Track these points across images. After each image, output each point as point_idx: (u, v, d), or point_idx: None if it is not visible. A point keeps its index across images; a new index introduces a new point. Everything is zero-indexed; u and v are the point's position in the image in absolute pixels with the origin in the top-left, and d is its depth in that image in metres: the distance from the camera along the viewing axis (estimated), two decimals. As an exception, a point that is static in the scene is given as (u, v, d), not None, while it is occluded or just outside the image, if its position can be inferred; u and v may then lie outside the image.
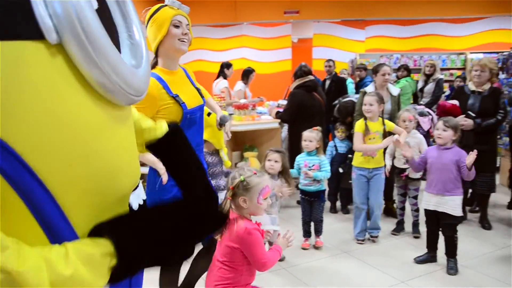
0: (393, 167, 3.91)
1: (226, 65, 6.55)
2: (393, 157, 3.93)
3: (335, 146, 4.49)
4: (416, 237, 3.89)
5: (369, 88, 4.24)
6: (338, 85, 6.36)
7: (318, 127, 3.63)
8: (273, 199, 3.06)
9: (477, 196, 4.44)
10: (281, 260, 3.32)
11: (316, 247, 3.62)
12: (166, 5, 2.04)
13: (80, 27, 0.70)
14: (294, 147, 4.64)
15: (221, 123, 2.51)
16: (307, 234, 3.69)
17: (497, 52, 6.80)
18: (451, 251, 3.23)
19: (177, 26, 2.03)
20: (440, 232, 3.32)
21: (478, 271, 3.20)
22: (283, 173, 3.16)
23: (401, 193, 4.01)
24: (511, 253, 3.50)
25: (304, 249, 3.59)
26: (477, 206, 4.48)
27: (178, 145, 1.12)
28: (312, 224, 3.69)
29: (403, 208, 4.03)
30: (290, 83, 5.24)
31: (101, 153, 0.78)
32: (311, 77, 4.79)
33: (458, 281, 3.04)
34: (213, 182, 2.80)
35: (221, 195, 2.65)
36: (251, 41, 9.64)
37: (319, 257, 3.47)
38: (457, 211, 3.16)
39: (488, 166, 4.08)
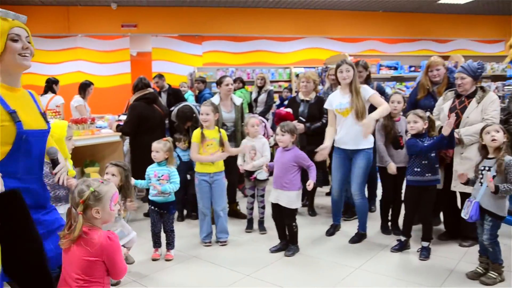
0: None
1: (54, 81, 6.33)
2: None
3: (178, 156, 4.61)
4: (262, 234, 4.24)
5: (215, 99, 4.51)
6: (175, 96, 6.55)
7: (168, 138, 3.67)
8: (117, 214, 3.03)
9: (308, 190, 5.04)
10: (131, 263, 3.30)
11: (166, 260, 3.59)
12: None
13: None
14: (137, 160, 4.62)
15: (51, 156, 2.09)
16: (156, 244, 3.65)
17: (314, 67, 7.85)
18: (292, 238, 3.68)
19: (15, 40, 1.85)
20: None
21: (310, 254, 3.66)
22: (123, 188, 3.10)
23: (251, 194, 4.35)
24: (336, 236, 4.09)
25: (154, 259, 3.59)
26: (307, 200, 5.06)
27: (14, 213, 0.98)
28: (162, 235, 3.67)
29: (252, 208, 4.37)
30: (130, 97, 5.20)
31: None
32: (150, 90, 4.86)
33: (297, 265, 3.44)
34: (51, 194, 2.63)
35: (60, 209, 2.54)
36: (87, 53, 9.22)
37: (170, 265, 3.52)
38: (294, 205, 3.60)
39: (320, 164, 4.71)
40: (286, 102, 5.60)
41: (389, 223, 4.17)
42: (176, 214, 4.71)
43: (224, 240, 3.97)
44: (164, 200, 3.56)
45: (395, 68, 6.66)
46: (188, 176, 4.57)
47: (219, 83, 4.64)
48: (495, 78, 6.68)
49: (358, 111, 3.74)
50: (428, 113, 3.52)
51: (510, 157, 2.95)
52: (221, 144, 3.86)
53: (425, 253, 3.49)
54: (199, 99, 6.85)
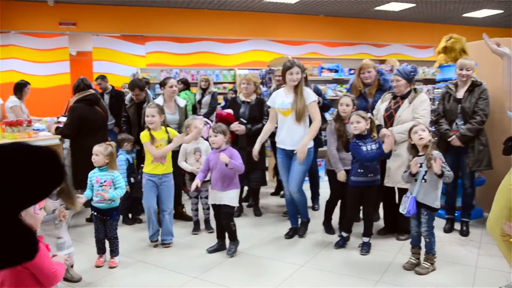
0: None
1: None
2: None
3: (127, 159, 4.53)
4: (210, 233, 4.24)
5: (159, 100, 4.45)
6: (118, 99, 6.42)
7: (111, 142, 3.56)
8: (56, 220, 2.93)
9: (251, 191, 5.12)
10: (77, 281, 3.19)
11: (110, 267, 3.49)
12: None
13: None
14: (78, 163, 4.46)
15: None
16: (101, 251, 3.55)
17: (258, 69, 7.95)
18: (232, 236, 3.73)
19: None
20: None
21: (256, 254, 3.73)
22: (62, 193, 2.95)
23: (195, 196, 4.34)
24: (281, 235, 4.18)
25: (98, 266, 3.48)
26: (252, 200, 5.14)
27: None
28: (106, 241, 3.57)
29: (197, 209, 4.36)
30: (69, 98, 5.02)
31: None
32: (92, 91, 4.70)
33: (243, 265, 3.50)
34: None
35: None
36: (22, 52, 8.75)
37: (115, 270, 3.44)
38: (234, 202, 3.66)
39: (259, 164, 4.79)
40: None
41: (332, 222, 4.26)
42: (121, 218, 4.61)
43: (169, 242, 3.95)
44: (107, 206, 3.45)
45: (336, 71, 6.89)
46: (132, 179, 4.48)
47: (163, 84, 4.58)
48: (426, 81, 7.12)
49: (298, 112, 3.81)
50: (369, 114, 3.70)
51: (437, 151, 3.21)
52: (170, 143, 3.83)
53: (366, 248, 3.67)
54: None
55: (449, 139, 3.98)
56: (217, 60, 10.47)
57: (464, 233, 4.07)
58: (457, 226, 4.20)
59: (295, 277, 3.26)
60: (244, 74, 5.67)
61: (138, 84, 4.71)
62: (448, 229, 4.18)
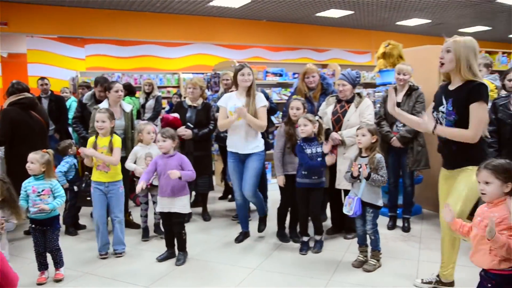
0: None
1: None
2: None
3: (74, 164, 4.34)
4: (161, 238, 4.11)
5: (103, 105, 4.28)
6: (57, 104, 6.14)
7: (48, 150, 3.36)
8: None
9: (199, 196, 5.07)
10: None
11: (56, 280, 3.29)
12: None
13: None
14: (13, 172, 4.19)
15: None
16: (43, 266, 3.32)
17: (203, 73, 7.92)
18: (181, 246, 3.66)
19: None
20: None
21: (208, 259, 3.69)
22: (6, 203, 2.79)
23: (145, 202, 4.24)
24: (232, 240, 4.17)
25: (40, 284, 3.25)
26: (199, 205, 5.07)
27: None
28: (48, 255, 3.35)
29: (147, 216, 4.25)
30: (2, 102, 4.71)
31: None
32: (27, 94, 4.43)
33: (195, 271, 3.45)
34: None
35: None
36: None
37: (60, 285, 3.26)
38: (186, 209, 3.61)
39: (206, 169, 4.75)
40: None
41: (286, 230, 4.20)
42: (63, 228, 4.40)
43: (121, 252, 3.82)
44: (46, 216, 3.25)
45: (280, 75, 7.01)
46: (75, 188, 4.30)
47: (108, 88, 4.42)
48: (365, 85, 7.44)
49: (250, 115, 3.80)
50: (317, 117, 3.79)
51: (380, 155, 3.35)
52: (111, 150, 3.67)
53: (318, 246, 3.77)
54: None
55: (390, 141, 4.19)
56: (161, 64, 10.30)
57: (406, 229, 4.29)
58: (399, 222, 4.41)
59: (248, 280, 3.27)
60: (189, 78, 5.63)
61: (103, 82, 4.53)
62: (391, 226, 4.38)
